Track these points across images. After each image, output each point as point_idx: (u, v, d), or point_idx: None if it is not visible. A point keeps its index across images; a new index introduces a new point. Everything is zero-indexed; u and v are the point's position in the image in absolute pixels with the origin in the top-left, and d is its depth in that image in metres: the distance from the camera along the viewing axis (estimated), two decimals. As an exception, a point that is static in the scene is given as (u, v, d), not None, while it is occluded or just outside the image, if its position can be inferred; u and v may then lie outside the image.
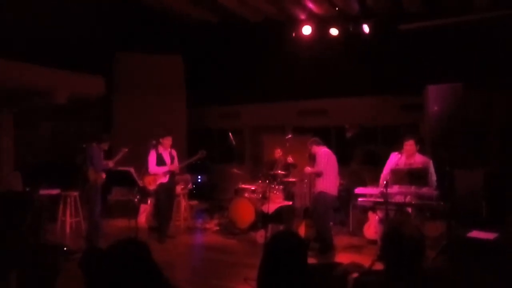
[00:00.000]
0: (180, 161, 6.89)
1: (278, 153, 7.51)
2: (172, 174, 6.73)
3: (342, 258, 5.63)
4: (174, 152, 6.89)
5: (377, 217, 5.42)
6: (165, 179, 6.64)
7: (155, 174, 6.59)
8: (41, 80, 8.16)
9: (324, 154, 5.94)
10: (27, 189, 6.08)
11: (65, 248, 5.98)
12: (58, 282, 3.02)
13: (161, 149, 6.68)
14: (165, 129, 7.14)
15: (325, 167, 5.86)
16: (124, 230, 6.47)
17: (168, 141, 6.73)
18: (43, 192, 6.21)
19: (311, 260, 2.23)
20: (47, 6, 7.39)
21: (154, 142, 6.57)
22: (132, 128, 8.85)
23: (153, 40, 9.34)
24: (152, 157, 6.59)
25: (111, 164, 6.30)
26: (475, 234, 4.11)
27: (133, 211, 5.57)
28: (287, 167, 7.41)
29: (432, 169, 5.10)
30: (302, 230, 6.22)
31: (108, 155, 6.58)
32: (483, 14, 7.26)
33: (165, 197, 6.66)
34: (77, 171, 6.30)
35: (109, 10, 8.29)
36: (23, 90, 8.58)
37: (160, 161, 6.62)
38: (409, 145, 5.23)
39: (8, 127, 9.47)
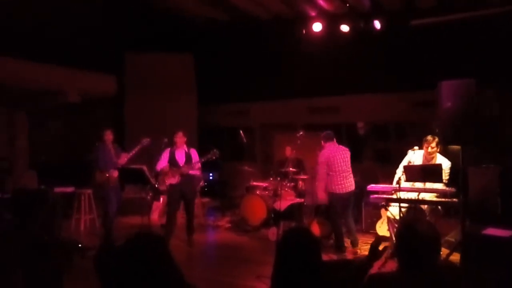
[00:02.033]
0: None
1: (288, 150, 7.49)
2: (184, 175, 6.12)
3: (354, 254, 5.63)
4: (193, 152, 6.33)
5: (388, 214, 5.38)
6: (174, 180, 6.09)
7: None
8: (54, 79, 8.28)
9: (322, 155, 5.86)
10: (42, 187, 6.16)
11: (79, 245, 6.05)
12: (71, 279, 3.05)
13: (175, 148, 6.24)
14: (176, 127, 6.67)
15: (322, 168, 5.80)
16: (137, 228, 6.53)
17: (179, 138, 6.19)
18: (57, 190, 6.29)
19: (324, 257, 2.22)
20: (59, 6, 7.47)
21: (166, 140, 6.44)
22: (144, 126, 8.90)
23: (164, 39, 9.39)
24: (163, 155, 6.20)
25: (124, 158, 6.16)
26: (490, 231, 4.05)
27: (146, 209, 5.61)
28: (298, 164, 7.39)
29: (447, 171, 5.06)
30: (313, 228, 6.22)
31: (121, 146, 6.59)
32: (496, 9, 7.14)
33: (174, 199, 6.19)
34: (89, 169, 6.39)
35: (120, 9, 8.35)
36: (36, 89, 8.70)
37: (172, 161, 6.17)
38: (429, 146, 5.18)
39: (22, 126, 9.62)
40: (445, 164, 5.06)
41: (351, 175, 5.91)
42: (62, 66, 8.17)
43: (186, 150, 6.26)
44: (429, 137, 5.17)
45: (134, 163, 6.07)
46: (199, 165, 6.25)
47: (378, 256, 2.33)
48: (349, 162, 5.91)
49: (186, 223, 6.37)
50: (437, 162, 5.14)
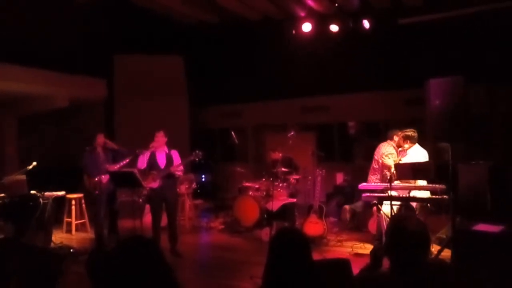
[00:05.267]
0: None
1: (274, 155, 7.45)
2: (165, 178, 5.66)
3: (347, 253, 5.66)
4: (174, 153, 5.82)
5: (381, 212, 5.41)
6: (155, 184, 5.64)
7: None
8: (42, 84, 8.20)
9: None
10: (33, 192, 6.11)
11: (71, 250, 6.03)
12: (63, 284, 3.03)
13: (156, 149, 5.75)
14: (167, 129, 6.18)
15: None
16: (129, 231, 6.50)
17: (160, 137, 5.73)
18: (48, 194, 6.24)
19: (317, 257, 2.23)
20: (47, 10, 7.41)
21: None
22: (135, 129, 8.86)
23: (154, 41, 9.37)
24: (141, 157, 5.76)
25: (112, 167, 6.03)
26: (480, 227, 4.09)
27: (138, 212, 5.57)
28: (289, 163, 7.40)
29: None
30: (306, 227, 6.23)
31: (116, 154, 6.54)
32: (483, 7, 7.23)
33: (156, 204, 5.77)
34: (80, 174, 6.38)
35: (108, 12, 8.30)
36: (25, 94, 8.62)
37: (153, 164, 5.72)
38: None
39: (12, 132, 9.53)
40: (425, 156, 5.17)
41: (372, 175, 6.03)
42: (51, 70, 8.10)
43: (167, 152, 5.81)
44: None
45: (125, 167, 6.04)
46: (181, 167, 5.85)
47: (380, 262, 2.34)
48: (374, 162, 6.01)
49: (168, 229, 5.86)
50: (414, 154, 5.29)
